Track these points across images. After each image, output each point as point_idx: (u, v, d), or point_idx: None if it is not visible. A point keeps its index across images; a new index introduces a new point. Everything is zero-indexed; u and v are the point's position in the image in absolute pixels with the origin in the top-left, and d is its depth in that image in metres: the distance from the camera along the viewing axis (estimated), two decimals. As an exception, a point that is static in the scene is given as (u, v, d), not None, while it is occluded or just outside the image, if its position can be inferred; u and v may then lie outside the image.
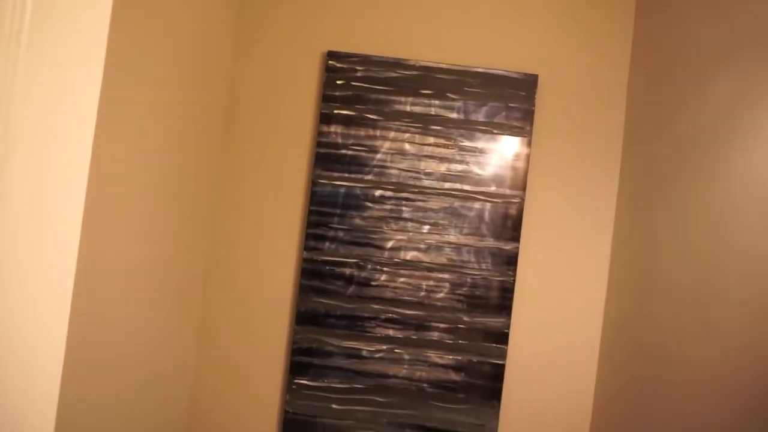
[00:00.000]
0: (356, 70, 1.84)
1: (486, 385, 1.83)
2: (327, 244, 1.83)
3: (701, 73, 1.44)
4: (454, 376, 1.83)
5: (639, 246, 1.67)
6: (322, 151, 1.84)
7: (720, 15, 1.39)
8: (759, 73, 1.21)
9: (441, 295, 1.84)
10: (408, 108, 1.84)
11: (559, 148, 1.87)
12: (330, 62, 1.84)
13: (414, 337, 1.84)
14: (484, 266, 1.83)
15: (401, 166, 1.84)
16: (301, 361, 1.83)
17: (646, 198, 1.66)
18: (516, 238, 1.83)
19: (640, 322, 1.61)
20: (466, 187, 1.83)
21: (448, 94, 1.84)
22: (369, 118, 1.84)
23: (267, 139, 1.89)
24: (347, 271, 1.83)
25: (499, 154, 1.83)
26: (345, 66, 1.84)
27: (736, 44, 1.30)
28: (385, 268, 1.84)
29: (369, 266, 1.84)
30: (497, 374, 1.82)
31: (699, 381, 1.30)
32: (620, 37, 1.86)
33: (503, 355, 1.83)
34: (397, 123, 1.84)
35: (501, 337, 1.83)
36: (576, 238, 1.87)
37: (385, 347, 1.84)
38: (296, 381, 1.83)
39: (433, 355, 1.84)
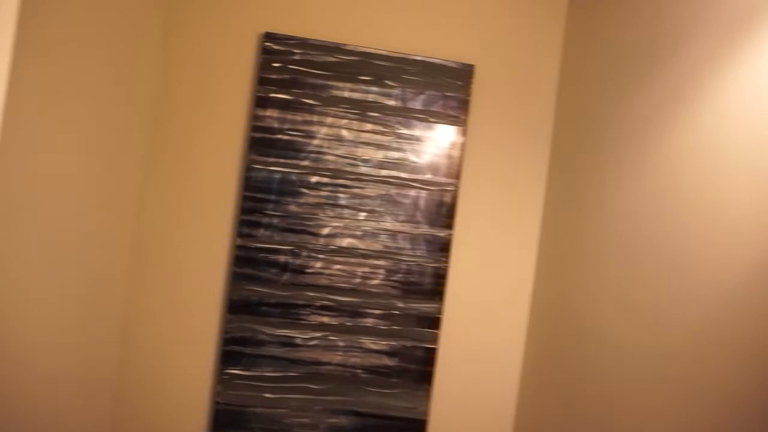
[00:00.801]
0: (293, 53, 1.80)
1: (418, 369, 1.87)
2: (261, 230, 1.79)
3: (626, 68, 1.53)
4: (387, 362, 1.86)
5: (565, 232, 1.76)
6: (257, 135, 1.79)
7: (647, 13, 1.48)
8: (681, 76, 1.31)
9: (376, 281, 1.85)
10: (346, 94, 1.83)
11: (492, 137, 1.93)
12: (266, 44, 1.79)
13: (348, 323, 1.84)
14: (418, 253, 1.86)
15: (338, 152, 1.83)
16: (233, 350, 1.78)
17: (572, 187, 1.75)
18: (450, 225, 1.87)
19: (564, 304, 1.70)
20: (403, 175, 1.85)
21: (387, 81, 1.84)
22: (306, 102, 1.81)
23: (199, 122, 1.81)
24: (282, 258, 1.81)
25: (435, 142, 1.87)
26: (282, 48, 1.80)
27: (663, 42, 1.40)
28: (320, 255, 1.82)
29: (304, 253, 1.82)
30: (429, 358, 1.87)
31: (620, 356, 1.40)
32: (552, 29, 1.94)
33: (435, 339, 1.87)
34: (334, 109, 1.82)
35: (433, 321, 1.87)
36: (507, 225, 1.94)
37: (319, 334, 1.83)
38: (227, 371, 1.78)
39: (368, 341, 1.85)
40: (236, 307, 1.78)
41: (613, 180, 1.52)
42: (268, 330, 1.80)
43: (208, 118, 1.81)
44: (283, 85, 1.79)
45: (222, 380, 1.78)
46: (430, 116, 1.86)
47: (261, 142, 1.79)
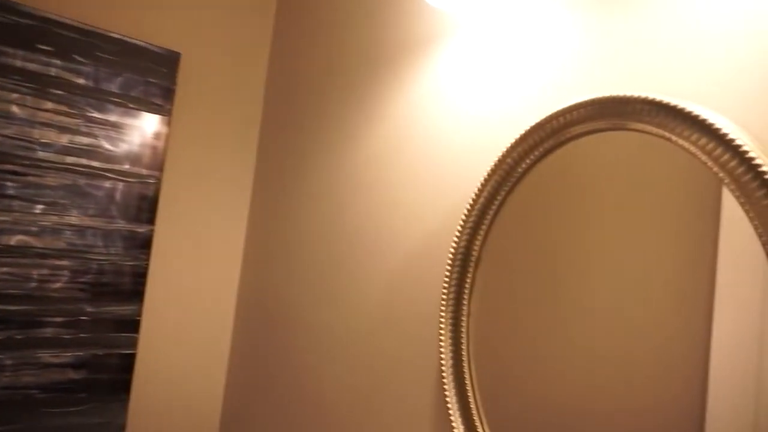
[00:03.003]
0: (-61, 2, 1.40)
1: (113, 378, 1.70)
2: None
3: (323, 74, 1.67)
4: (73, 375, 1.64)
5: (272, 227, 1.83)
6: None
7: (343, 30, 1.63)
8: (372, 86, 1.49)
9: (58, 285, 1.60)
10: (18, 63, 1.51)
11: (199, 130, 1.86)
12: None
13: (19, 336, 1.56)
14: (113, 250, 1.68)
15: (7, 132, 1.51)
16: None
17: (278, 184, 1.83)
18: (151, 220, 1.74)
19: (273, 297, 1.77)
20: (94, 164, 1.64)
21: (75, 56, 1.59)
22: (-41, 67, 1.43)
23: None
24: None
25: (135, 130, 1.70)
26: None
27: (357, 56, 1.56)
28: (-22, 258, 1.49)
29: (-45, 256, 1.45)
30: (126, 365, 1.72)
31: (329, 338, 1.53)
32: (262, 25, 1.97)
33: (133, 344, 1.73)
34: (1, 79, 1.49)
35: (131, 325, 1.72)
36: (213, 219, 1.90)
37: (-24, 355, 1.50)
38: None
39: (47, 355, 1.60)
40: None
41: (316, 178, 1.65)
42: None
43: None
44: None
45: None
46: (129, 102, 1.69)
47: None
